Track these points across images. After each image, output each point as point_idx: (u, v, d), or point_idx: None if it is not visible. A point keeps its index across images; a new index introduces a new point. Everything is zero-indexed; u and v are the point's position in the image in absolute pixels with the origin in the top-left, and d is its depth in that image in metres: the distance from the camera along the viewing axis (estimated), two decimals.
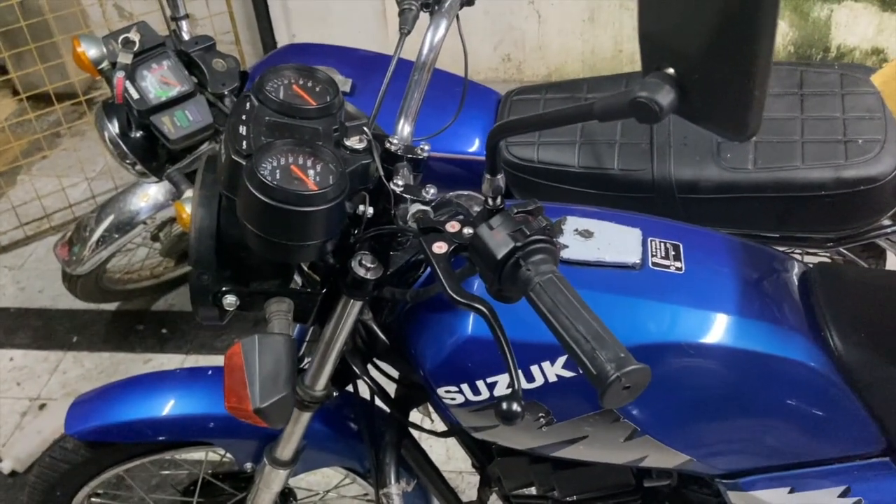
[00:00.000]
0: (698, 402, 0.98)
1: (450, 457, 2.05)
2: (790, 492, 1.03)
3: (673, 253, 1.02)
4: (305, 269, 1.01)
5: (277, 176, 0.86)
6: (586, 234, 1.02)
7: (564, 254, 1.00)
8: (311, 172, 0.88)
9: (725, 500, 1.08)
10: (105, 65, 1.39)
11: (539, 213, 0.76)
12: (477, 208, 0.88)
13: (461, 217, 0.84)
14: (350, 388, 1.22)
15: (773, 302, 1.01)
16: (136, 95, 1.33)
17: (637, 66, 1.77)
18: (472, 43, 3.39)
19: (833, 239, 1.58)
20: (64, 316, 2.53)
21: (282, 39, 3.47)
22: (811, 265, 1.10)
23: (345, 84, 1.63)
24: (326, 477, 1.77)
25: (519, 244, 0.73)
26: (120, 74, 1.33)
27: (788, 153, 1.47)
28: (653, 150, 1.54)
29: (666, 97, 0.57)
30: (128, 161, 1.44)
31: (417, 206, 0.89)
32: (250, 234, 0.88)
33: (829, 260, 1.91)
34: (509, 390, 0.73)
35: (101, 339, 2.45)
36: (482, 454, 1.25)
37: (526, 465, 1.18)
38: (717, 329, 0.95)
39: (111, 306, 2.53)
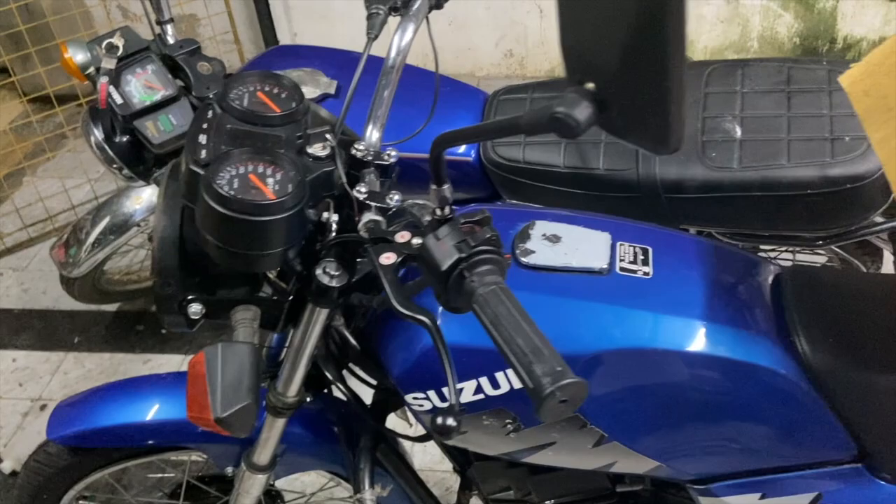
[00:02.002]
0: (665, 408, 0.97)
1: (443, 457, 2.05)
2: (761, 497, 1.01)
3: (642, 257, 1.01)
4: (272, 276, 1.01)
5: (235, 185, 0.86)
6: (554, 239, 1.02)
7: (531, 259, 0.99)
8: (270, 181, 0.88)
9: None
10: (92, 70, 1.39)
11: (486, 223, 0.75)
12: (429, 217, 0.88)
13: (412, 227, 0.84)
14: (334, 391, 1.22)
15: (741, 307, 0.99)
16: (119, 100, 1.33)
17: None
18: (474, 39, 3.38)
19: (824, 237, 1.55)
20: (65, 317, 2.55)
21: (284, 38, 3.48)
22: (785, 268, 1.09)
23: (330, 86, 1.63)
24: (315, 478, 1.77)
25: (464, 255, 0.73)
26: (103, 80, 1.34)
27: (774, 151, 1.45)
28: (638, 150, 1.52)
29: (583, 113, 0.56)
30: (115, 166, 1.44)
31: (370, 216, 0.88)
32: (210, 245, 0.88)
33: (824, 259, 1.89)
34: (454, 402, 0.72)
35: (102, 339, 2.48)
36: (462, 457, 1.24)
37: (502, 470, 1.18)
38: (683, 335, 0.94)
39: (112, 307, 2.55)
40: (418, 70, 1.72)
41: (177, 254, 0.94)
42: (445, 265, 0.73)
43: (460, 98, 1.75)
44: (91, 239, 2.08)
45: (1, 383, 2.34)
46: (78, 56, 1.42)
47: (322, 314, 1.00)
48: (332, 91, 1.63)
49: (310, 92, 1.63)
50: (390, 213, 0.90)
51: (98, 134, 1.42)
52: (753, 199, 1.46)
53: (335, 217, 0.94)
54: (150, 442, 1.27)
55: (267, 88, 1.00)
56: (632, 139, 0.57)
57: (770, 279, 1.06)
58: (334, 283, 0.94)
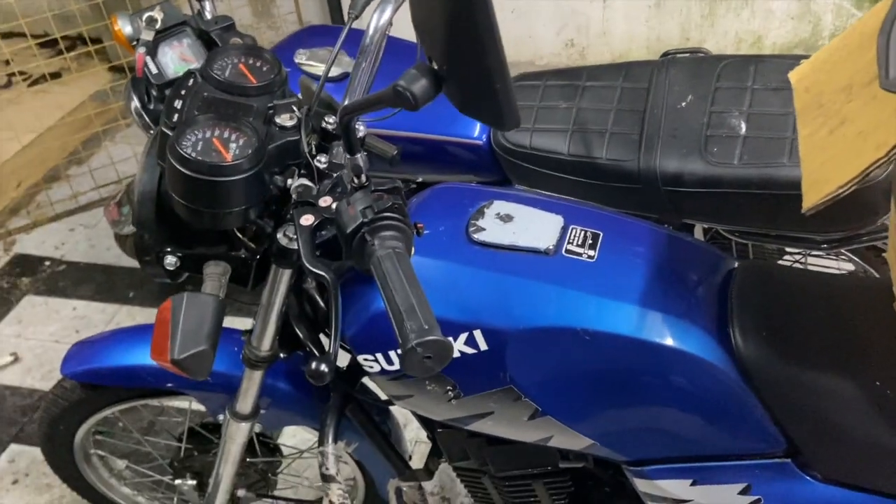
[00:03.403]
0: (597, 387, 1.00)
1: None
2: (692, 484, 1.03)
3: (590, 241, 1.03)
4: (241, 236, 1.09)
5: (199, 148, 0.94)
6: (506, 219, 1.06)
7: (481, 236, 1.04)
8: (232, 146, 0.96)
9: (633, 487, 1.09)
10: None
11: (396, 192, 0.81)
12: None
13: (338, 193, 0.90)
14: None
15: (683, 296, 1.01)
16: (154, 70, 1.44)
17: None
18: (535, 27, 3.39)
19: (829, 241, 1.53)
20: (125, 273, 2.73)
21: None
22: (740, 263, 1.09)
23: (350, 65, 1.70)
24: (310, 435, 1.86)
25: (366, 220, 0.78)
26: (141, 50, 1.45)
27: (776, 150, 1.43)
28: (641, 141, 1.53)
29: (420, 88, 0.61)
30: (151, 132, 1.56)
31: (300, 181, 0.95)
32: (176, 202, 0.97)
33: (850, 266, 1.84)
34: None
35: (154, 296, 2.65)
36: (430, 424, 1.30)
37: (462, 439, 1.23)
38: (615, 317, 0.97)
39: None
40: None
41: (153, 208, 1.03)
42: (350, 228, 0.79)
43: None
44: None
45: (60, 329, 2.54)
46: (127, 28, 1.54)
47: (285, 274, 1.08)
48: (350, 70, 1.70)
49: (332, 70, 1.71)
50: (332, 180, 0.96)
51: (136, 101, 1.54)
52: (752, 197, 1.45)
53: (296, 184, 1.01)
54: (149, 384, 1.38)
55: (250, 61, 1.08)
56: (472, 114, 0.61)
57: (723, 272, 1.07)
58: (293, 246, 1.01)
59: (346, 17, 3.89)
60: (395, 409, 1.43)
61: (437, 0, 0.55)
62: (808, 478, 0.99)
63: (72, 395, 1.46)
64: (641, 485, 1.07)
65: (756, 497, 1.01)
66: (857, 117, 0.76)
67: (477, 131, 1.72)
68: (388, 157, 1.17)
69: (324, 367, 0.76)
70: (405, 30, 1.35)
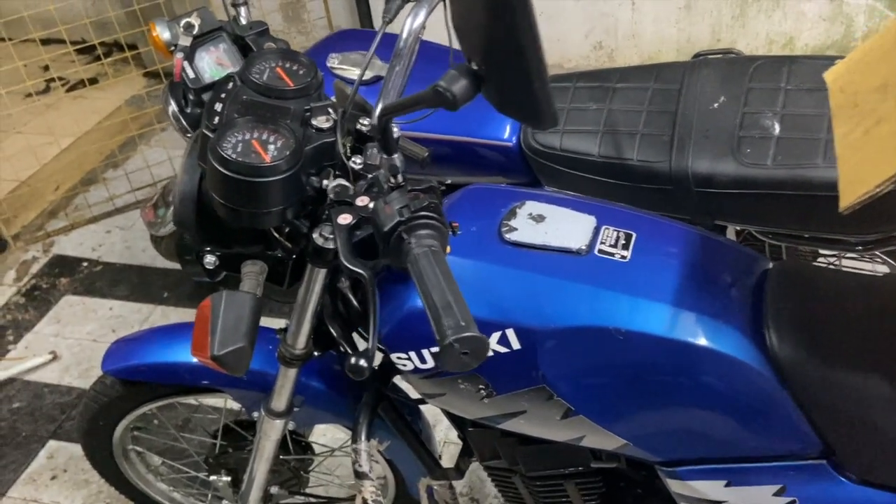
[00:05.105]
0: (629, 387, 1.00)
1: None
2: (726, 485, 1.03)
3: (623, 242, 1.04)
4: (277, 236, 1.11)
5: (238, 149, 0.96)
6: (539, 219, 1.06)
7: (513, 236, 1.05)
8: (270, 147, 0.98)
9: (666, 487, 1.09)
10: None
11: (432, 192, 0.82)
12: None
13: (374, 193, 0.92)
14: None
15: (717, 296, 1.01)
16: (191, 75, 1.47)
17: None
18: (563, 30, 3.39)
19: (864, 242, 1.51)
20: (159, 274, 2.79)
21: (379, 25, 3.60)
22: (775, 264, 1.09)
23: (382, 69, 1.72)
24: (343, 434, 1.88)
25: (403, 219, 0.80)
26: (179, 55, 1.48)
27: (810, 151, 1.43)
28: (673, 142, 1.53)
29: (460, 88, 0.62)
30: (189, 135, 1.59)
31: (338, 181, 0.97)
32: (215, 202, 0.99)
33: (873, 265, 1.82)
34: None
35: (188, 297, 2.69)
36: (461, 423, 1.31)
37: (494, 438, 1.24)
38: (649, 317, 0.97)
39: None
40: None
41: (194, 208, 1.06)
42: (387, 226, 0.81)
43: None
44: None
45: (97, 328, 2.59)
46: (164, 34, 1.57)
47: (321, 274, 1.10)
48: (383, 74, 1.72)
49: (364, 74, 1.73)
50: (369, 180, 0.98)
51: (174, 105, 1.57)
52: (785, 198, 1.44)
53: (334, 184, 1.03)
54: (187, 381, 1.41)
55: (287, 65, 1.10)
56: (510, 113, 0.62)
57: (757, 273, 1.07)
58: (329, 245, 1.03)
59: (374, 22, 3.93)
60: (426, 409, 1.45)
61: (478, 1, 0.57)
62: (843, 479, 0.98)
63: (111, 392, 1.49)
64: (675, 486, 1.08)
65: (791, 498, 1.01)
66: (893, 116, 0.76)
67: (507, 133, 1.73)
68: (419, 159, 1.19)
69: (363, 363, 0.78)
70: (439, 34, 1.36)
